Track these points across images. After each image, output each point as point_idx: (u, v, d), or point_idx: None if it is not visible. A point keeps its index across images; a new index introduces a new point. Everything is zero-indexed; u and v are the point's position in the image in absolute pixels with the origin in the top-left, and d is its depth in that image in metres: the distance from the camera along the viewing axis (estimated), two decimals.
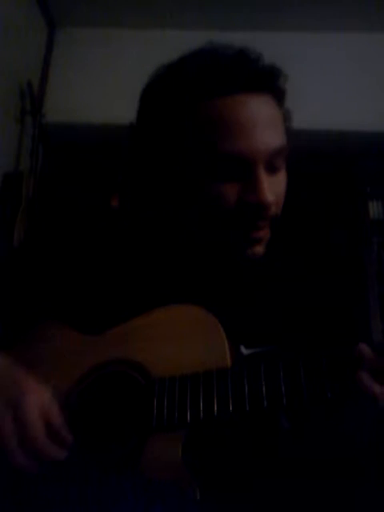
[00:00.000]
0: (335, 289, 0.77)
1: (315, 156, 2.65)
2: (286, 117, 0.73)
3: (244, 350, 0.65)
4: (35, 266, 0.79)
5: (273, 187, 0.68)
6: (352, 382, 0.56)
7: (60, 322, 0.74)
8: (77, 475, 0.56)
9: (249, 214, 0.68)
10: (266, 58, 0.72)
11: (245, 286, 0.74)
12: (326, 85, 2.52)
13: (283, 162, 0.70)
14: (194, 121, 0.67)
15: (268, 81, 0.69)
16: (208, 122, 0.66)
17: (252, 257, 0.71)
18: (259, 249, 0.71)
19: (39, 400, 0.60)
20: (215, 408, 0.59)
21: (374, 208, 2.65)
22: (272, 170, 0.68)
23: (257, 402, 0.58)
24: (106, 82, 2.55)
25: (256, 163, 0.66)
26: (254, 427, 0.62)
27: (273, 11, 2.50)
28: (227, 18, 2.51)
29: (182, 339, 0.65)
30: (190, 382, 0.61)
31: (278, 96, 0.71)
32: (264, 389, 0.58)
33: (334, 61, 2.58)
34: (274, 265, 0.77)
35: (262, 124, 0.66)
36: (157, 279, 0.75)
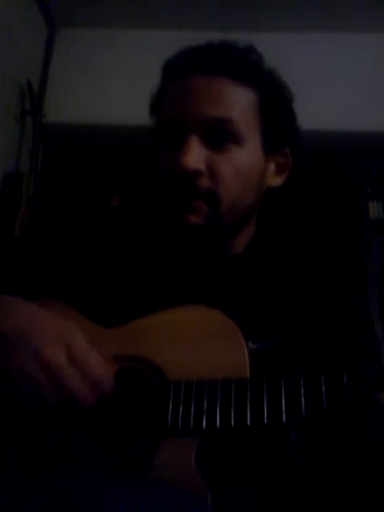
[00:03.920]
0: (337, 286, 0.77)
1: (315, 156, 2.64)
2: (262, 100, 0.73)
3: (251, 345, 0.63)
4: (43, 252, 0.78)
5: (211, 161, 0.69)
6: (372, 402, 0.55)
7: (77, 312, 0.72)
8: (86, 473, 0.56)
9: (175, 179, 0.69)
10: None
11: (250, 280, 0.74)
12: (326, 85, 2.52)
13: (233, 142, 0.70)
14: (161, 103, 0.76)
15: (220, 65, 0.71)
16: (164, 102, 0.75)
17: (185, 225, 0.70)
18: (194, 219, 0.70)
19: (83, 336, 0.61)
20: (232, 419, 0.57)
21: (374, 208, 2.64)
22: (214, 144, 0.69)
23: (275, 418, 0.57)
24: (105, 82, 2.55)
25: (188, 129, 0.69)
26: (262, 436, 0.61)
27: (273, 11, 2.50)
28: (228, 19, 2.51)
29: (200, 342, 0.63)
30: (208, 389, 0.59)
31: (241, 78, 0.71)
32: (284, 404, 0.57)
33: (333, 61, 2.58)
34: (277, 260, 0.77)
35: (199, 95, 0.69)
36: (164, 272, 0.75)
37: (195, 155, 0.68)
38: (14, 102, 2.38)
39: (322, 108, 2.47)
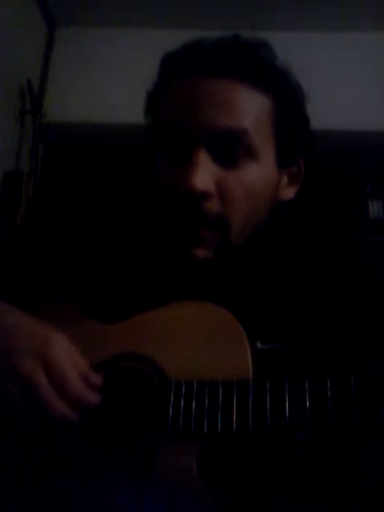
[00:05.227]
0: (339, 285, 0.72)
1: (315, 155, 2.64)
2: (276, 109, 0.65)
3: (260, 345, 0.62)
4: (44, 245, 0.76)
5: (221, 181, 0.61)
6: (379, 410, 0.53)
7: (73, 307, 0.70)
8: (86, 475, 0.55)
9: (180, 201, 0.61)
10: None
11: (258, 279, 0.71)
12: (326, 84, 2.51)
13: (247, 157, 0.62)
14: (161, 102, 0.67)
15: (233, 67, 0.63)
16: (165, 102, 0.66)
17: (193, 258, 0.64)
18: (202, 252, 0.64)
19: (65, 347, 0.58)
20: (234, 422, 0.56)
21: (374, 208, 2.64)
22: (225, 159, 0.61)
23: (279, 421, 0.55)
24: (105, 81, 2.55)
25: (196, 141, 0.60)
26: (266, 437, 0.59)
27: (275, 10, 2.50)
28: (231, 17, 2.50)
29: (202, 341, 0.62)
30: (209, 390, 0.58)
31: (257, 83, 0.64)
32: (287, 408, 0.55)
33: (333, 60, 2.57)
34: (284, 260, 0.73)
35: (210, 101, 0.61)
36: (170, 267, 0.71)
37: (204, 174, 0.60)
38: (14, 102, 2.37)
39: (321, 107, 2.46)
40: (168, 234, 0.67)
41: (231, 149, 0.61)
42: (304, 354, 0.65)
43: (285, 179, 0.71)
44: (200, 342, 0.62)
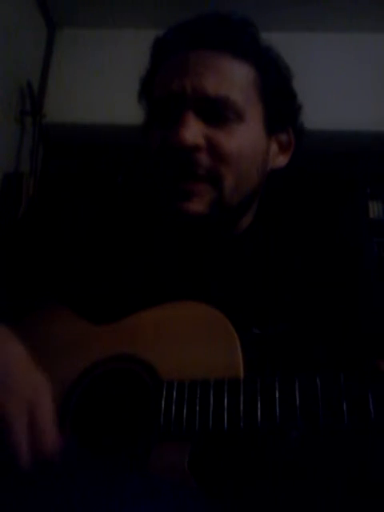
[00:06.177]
0: (338, 273, 0.73)
1: (315, 156, 2.65)
2: (266, 81, 0.69)
3: (256, 331, 0.62)
4: (37, 243, 0.75)
5: (211, 135, 0.64)
6: (370, 403, 0.52)
7: (65, 306, 0.70)
8: (79, 476, 0.55)
9: (170, 157, 0.63)
10: None
11: (251, 262, 0.71)
12: (326, 85, 2.52)
13: (234, 119, 0.65)
14: (153, 85, 0.71)
15: (216, 39, 0.67)
16: (156, 81, 0.70)
17: (185, 214, 0.64)
18: (194, 206, 0.64)
19: (52, 404, 0.56)
20: (225, 421, 0.56)
21: (374, 208, 2.65)
22: (213, 120, 0.64)
23: (269, 421, 0.55)
24: (106, 82, 2.55)
25: (184, 105, 0.64)
26: (259, 436, 0.59)
27: (274, 11, 2.51)
28: None
29: (194, 341, 0.62)
30: (200, 390, 0.58)
31: (239, 54, 0.67)
32: (278, 407, 0.55)
33: (333, 61, 2.58)
34: (279, 243, 0.73)
35: (197, 71, 0.65)
36: (162, 265, 0.71)
37: (193, 130, 0.62)
38: (14, 102, 2.38)
39: (322, 108, 2.47)
40: (156, 194, 0.68)
41: (218, 112, 0.65)
42: (301, 338, 0.65)
43: (275, 147, 0.74)
44: (192, 342, 0.62)
